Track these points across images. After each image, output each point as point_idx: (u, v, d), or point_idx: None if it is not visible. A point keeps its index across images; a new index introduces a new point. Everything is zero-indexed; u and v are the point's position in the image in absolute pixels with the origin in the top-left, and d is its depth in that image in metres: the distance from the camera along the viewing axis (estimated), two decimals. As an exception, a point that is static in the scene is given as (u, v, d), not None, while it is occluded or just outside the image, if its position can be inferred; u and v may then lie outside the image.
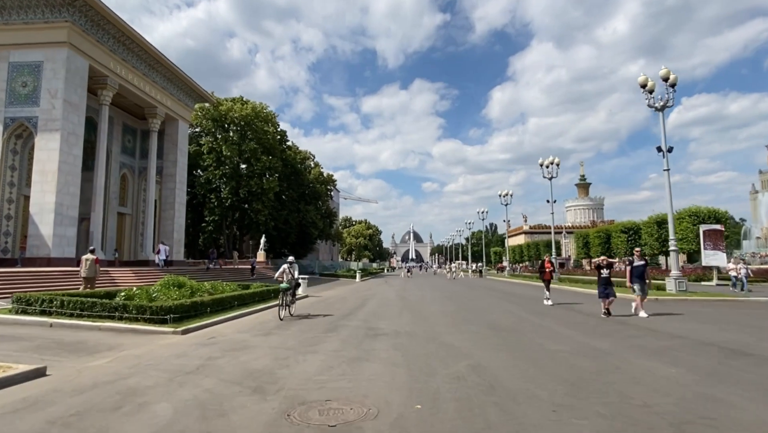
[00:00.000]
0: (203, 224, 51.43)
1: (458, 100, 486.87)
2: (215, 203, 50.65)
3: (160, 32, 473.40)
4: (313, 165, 64.11)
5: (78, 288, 16.33)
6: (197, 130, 52.03)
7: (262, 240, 49.14)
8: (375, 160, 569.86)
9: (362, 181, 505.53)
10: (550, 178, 39.78)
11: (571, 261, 75.06)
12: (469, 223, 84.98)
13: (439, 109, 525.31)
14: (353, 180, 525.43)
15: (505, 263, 66.46)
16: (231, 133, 51.02)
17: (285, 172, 57.09)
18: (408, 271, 64.33)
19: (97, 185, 29.47)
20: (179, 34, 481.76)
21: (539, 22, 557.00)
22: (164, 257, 31.65)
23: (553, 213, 41.31)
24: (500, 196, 55.52)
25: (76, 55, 26.55)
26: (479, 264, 53.60)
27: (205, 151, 50.11)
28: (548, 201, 40.42)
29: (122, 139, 36.77)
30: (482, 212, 67.15)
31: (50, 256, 24.57)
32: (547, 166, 39.93)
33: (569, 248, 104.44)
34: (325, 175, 64.70)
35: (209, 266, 37.64)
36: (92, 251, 16.85)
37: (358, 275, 40.65)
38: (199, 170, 51.04)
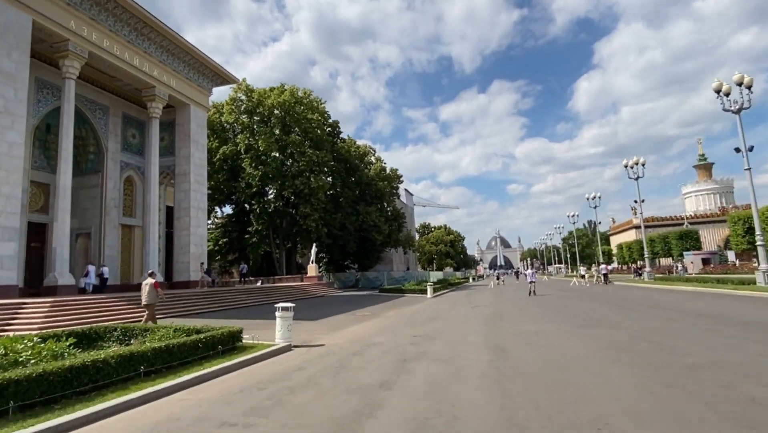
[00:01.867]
0: (247, 236, 43.70)
1: (541, 97, 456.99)
2: (258, 211, 42.72)
3: (250, 69, 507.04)
4: (374, 160, 54.40)
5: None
6: (229, 125, 44.70)
7: (313, 250, 40.01)
8: (456, 167, 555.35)
9: (444, 189, 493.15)
10: (636, 179, 38.42)
11: (717, 256, 57.05)
12: (559, 227, 79.55)
13: (521, 108, 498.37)
14: (435, 189, 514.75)
15: (643, 264, 50.96)
16: (270, 126, 42.97)
17: (338, 169, 47.96)
18: (497, 278, 51.88)
19: (60, 187, 21.86)
20: (267, 68, 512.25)
21: (625, 2, 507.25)
22: (91, 281, 23.29)
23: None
24: (588, 199, 51.63)
25: (6, 5, 19.13)
26: (601, 267, 39.98)
27: (242, 151, 42.54)
28: (635, 201, 40.08)
29: (123, 133, 29.71)
30: (573, 216, 66.62)
31: (-35, 285, 16.90)
32: (632, 167, 38.62)
33: (712, 239, 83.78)
34: (388, 170, 54.62)
35: (212, 281, 29.24)
36: (151, 274, 14.33)
37: (429, 290, 29.66)
38: (241, 176, 43.56)
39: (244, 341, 9.43)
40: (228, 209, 49.57)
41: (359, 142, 54.83)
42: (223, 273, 52.90)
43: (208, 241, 48.26)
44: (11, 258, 18.50)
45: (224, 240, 46.57)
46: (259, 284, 39.76)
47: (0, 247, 18.09)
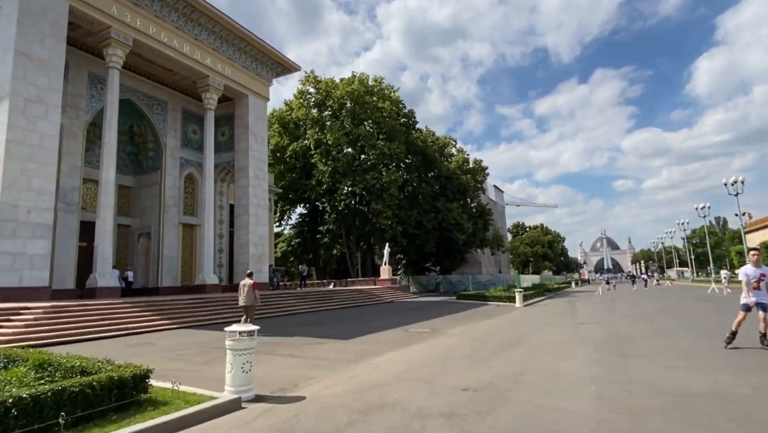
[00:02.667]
0: (318, 236, 41.35)
1: (651, 82, 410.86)
2: (329, 209, 40.16)
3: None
4: (455, 152, 49.33)
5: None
6: (301, 121, 42.73)
7: (386, 250, 36.22)
8: (554, 164, 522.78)
9: (542, 188, 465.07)
10: None
11: None
12: (683, 223, 66.85)
13: (628, 96, 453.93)
14: (531, 189, 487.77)
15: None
16: (341, 118, 40.21)
17: (414, 163, 43.77)
18: (607, 282, 43.84)
19: (102, 182, 20.53)
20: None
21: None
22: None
23: None
24: (726, 185, 40.94)
25: (40, -11, 18.03)
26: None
27: (312, 147, 40.33)
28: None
29: (182, 129, 28.61)
30: (702, 207, 54.01)
31: (-10, 285, 15.65)
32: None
33: None
34: (471, 163, 49.14)
35: (276, 283, 26.41)
36: (250, 275, 13.79)
37: (518, 297, 24.16)
38: (312, 173, 41.43)
39: (158, 385, 5.62)
40: (303, 209, 47.86)
41: (438, 134, 50.14)
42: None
43: (282, 242, 47.08)
44: (43, 257, 17.15)
45: (297, 240, 44.83)
46: (331, 286, 37.03)
47: (30, 245, 16.79)
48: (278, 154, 42.27)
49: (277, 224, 46.43)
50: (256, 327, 6.23)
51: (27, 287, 16.48)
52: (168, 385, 5.56)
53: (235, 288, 27.55)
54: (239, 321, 16.44)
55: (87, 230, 22.59)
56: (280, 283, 31.95)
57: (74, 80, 22.65)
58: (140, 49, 22.76)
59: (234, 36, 27.01)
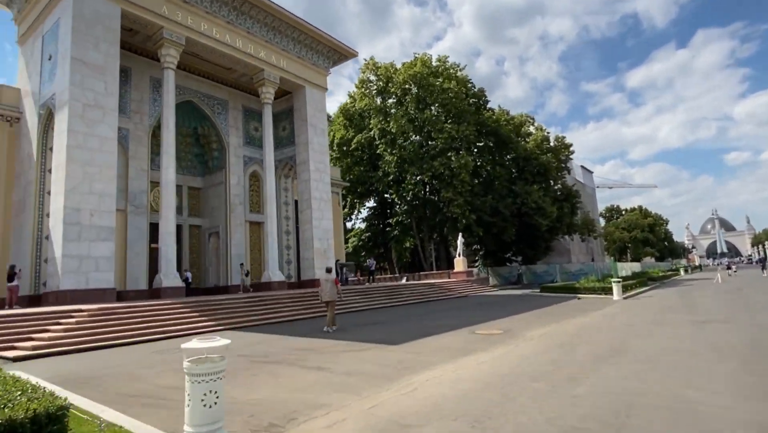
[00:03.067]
0: (388, 229, 39.82)
1: None
2: (397, 200, 38.45)
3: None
4: (533, 130, 45.03)
5: None
6: (365, 112, 41.36)
7: (459, 240, 33.59)
8: (651, 140, 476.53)
9: (638, 168, 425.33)
10: None
11: None
12: None
13: (739, 57, 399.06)
14: (626, 169, 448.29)
15: None
16: (405, 104, 38.23)
17: (486, 145, 40.52)
18: (728, 268, 37.28)
19: (163, 182, 20.59)
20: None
21: None
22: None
23: None
24: None
25: (92, -5, 18.25)
26: None
27: (376, 136, 38.84)
28: None
29: (244, 127, 28.49)
30: None
31: (59, 288, 16.02)
32: None
33: None
34: (552, 141, 44.49)
35: (345, 280, 24.98)
36: (329, 270, 13.40)
37: (615, 289, 20.49)
38: (379, 164, 40.02)
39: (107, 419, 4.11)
40: (372, 202, 46.65)
41: (513, 112, 46.09)
42: (379, 270, 50.58)
43: (353, 237, 46.28)
44: (107, 259, 17.36)
45: (367, 235, 43.71)
46: (403, 281, 35.36)
47: (94, 248, 17.02)
48: (344, 148, 41.40)
49: (348, 219, 45.76)
50: (225, 342, 4.48)
51: (94, 289, 16.72)
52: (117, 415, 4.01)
53: (302, 285, 26.98)
54: (294, 320, 15.22)
55: (157, 232, 23.03)
56: (349, 278, 30.86)
57: (137, 86, 23.16)
58: (194, 48, 22.63)
59: (287, 26, 26.18)
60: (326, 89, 29.83)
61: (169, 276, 19.60)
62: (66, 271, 16.16)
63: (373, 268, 29.58)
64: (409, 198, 37.24)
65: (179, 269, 24.46)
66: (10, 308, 16.69)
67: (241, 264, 25.90)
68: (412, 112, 37.27)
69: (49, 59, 19.00)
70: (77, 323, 11.48)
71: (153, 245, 22.46)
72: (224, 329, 13.05)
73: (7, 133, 20.27)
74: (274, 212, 25.67)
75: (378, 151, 38.65)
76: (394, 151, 36.96)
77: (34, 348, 9.74)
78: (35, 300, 17.64)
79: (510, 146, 40.95)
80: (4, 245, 19.46)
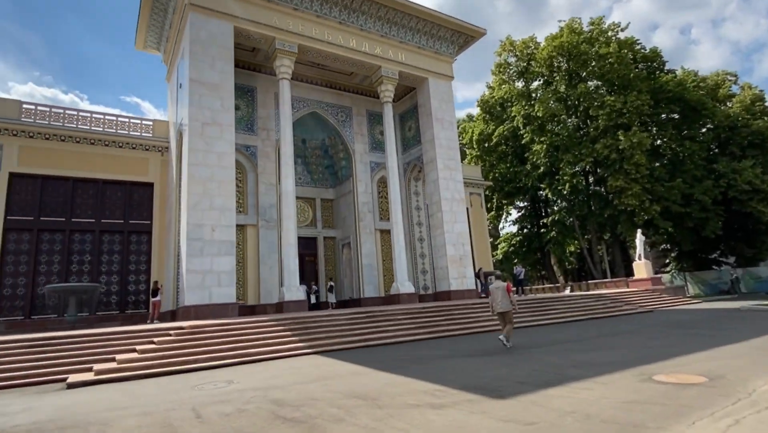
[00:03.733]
0: (543, 231, 34.17)
1: None
2: (552, 195, 32.74)
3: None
4: (736, 90, 34.14)
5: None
6: (507, 102, 36.62)
7: (638, 239, 26.38)
8: None
9: None
10: None
11: None
12: None
13: None
14: None
15: None
16: (555, 84, 32.60)
17: (668, 116, 31.84)
18: None
19: (282, 193, 20.17)
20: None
21: None
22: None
23: None
24: None
25: (207, 18, 18.94)
26: None
27: (520, 125, 33.94)
28: None
29: (369, 132, 27.22)
30: None
31: (184, 304, 16.32)
32: None
33: None
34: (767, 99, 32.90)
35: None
36: (499, 277, 11.69)
37: None
38: (526, 157, 34.99)
39: None
40: (522, 202, 41.11)
41: (703, 73, 35.73)
42: (538, 279, 44.42)
43: (503, 242, 41.26)
44: (228, 274, 17.25)
45: (518, 239, 38.41)
46: (567, 291, 29.60)
47: (216, 262, 17.07)
48: (485, 145, 37.36)
49: (495, 222, 41.19)
50: None
51: (216, 304, 16.68)
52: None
53: (438, 297, 24.05)
54: (401, 341, 12.31)
55: (302, 245, 22.92)
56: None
57: (263, 103, 23.67)
58: (307, 55, 22.11)
59: (402, 15, 24.12)
60: (452, 78, 26.74)
61: (291, 289, 18.82)
62: (190, 286, 16.39)
63: (521, 276, 24.87)
64: (566, 192, 31.20)
65: (310, 282, 24.14)
66: (151, 322, 17.82)
67: (330, 278, 24.73)
68: (562, 90, 31.46)
69: (179, 87, 20.34)
70: (159, 343, 10.68)
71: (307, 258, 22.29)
72: (314, 351, 10.96)
73: (160, 162, 22.50)
74: (400, 218, 23.44)
75: (523, 142, 33.65)
76: (542, 139, 31.58)
77: (100, 372, 8.96)
78: (174, 315, 18.54)
79: (704, 114, 31.41)
80: (159, 264, 21.37)
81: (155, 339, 11.05)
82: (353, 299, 25.18)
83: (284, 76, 20.98)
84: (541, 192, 36.19)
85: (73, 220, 20.74)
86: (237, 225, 19.94)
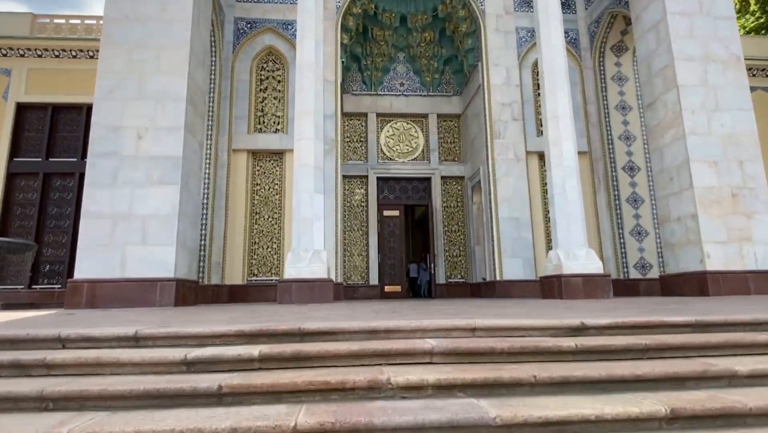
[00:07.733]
0: None
1: None
2: None
3: None
4: None
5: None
6: None
7: None
8: None
9: None
10: None
11: None
12: None
13: None
14: None
15: None
16: None
17: None
18: None
19: (300, 65, 10.28)
20: None
21: None
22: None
23: None
24: None
25: None
26: None
27: None
28: None
29: None
30: None
31: (75, 277, 8.27)
32: None
33: None
34: None
35: None
36: None
37: None
38: None
39: None
40: None
41: None
42: None
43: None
44: (164, 222, 8.69)
45: None
46: None
47: (139, 198, 8.60)
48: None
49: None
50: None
51: (132, 280, 8.30)
52: None
53: (667, 286, 10.41)
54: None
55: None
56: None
57: None
58: None
59: None
60: None
61: (300, 257, 8.96)
62: (86, 245, 8.33)
63: None
64: None
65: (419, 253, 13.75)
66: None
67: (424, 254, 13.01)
68: None
69: None
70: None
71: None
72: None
73: None
74: (569, 123, 10.54)
75: None
76: None
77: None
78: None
79: None
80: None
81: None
82: (485, 282, 13.64)
83: None
84: None
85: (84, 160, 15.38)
86: (273, 151, 11.30)
